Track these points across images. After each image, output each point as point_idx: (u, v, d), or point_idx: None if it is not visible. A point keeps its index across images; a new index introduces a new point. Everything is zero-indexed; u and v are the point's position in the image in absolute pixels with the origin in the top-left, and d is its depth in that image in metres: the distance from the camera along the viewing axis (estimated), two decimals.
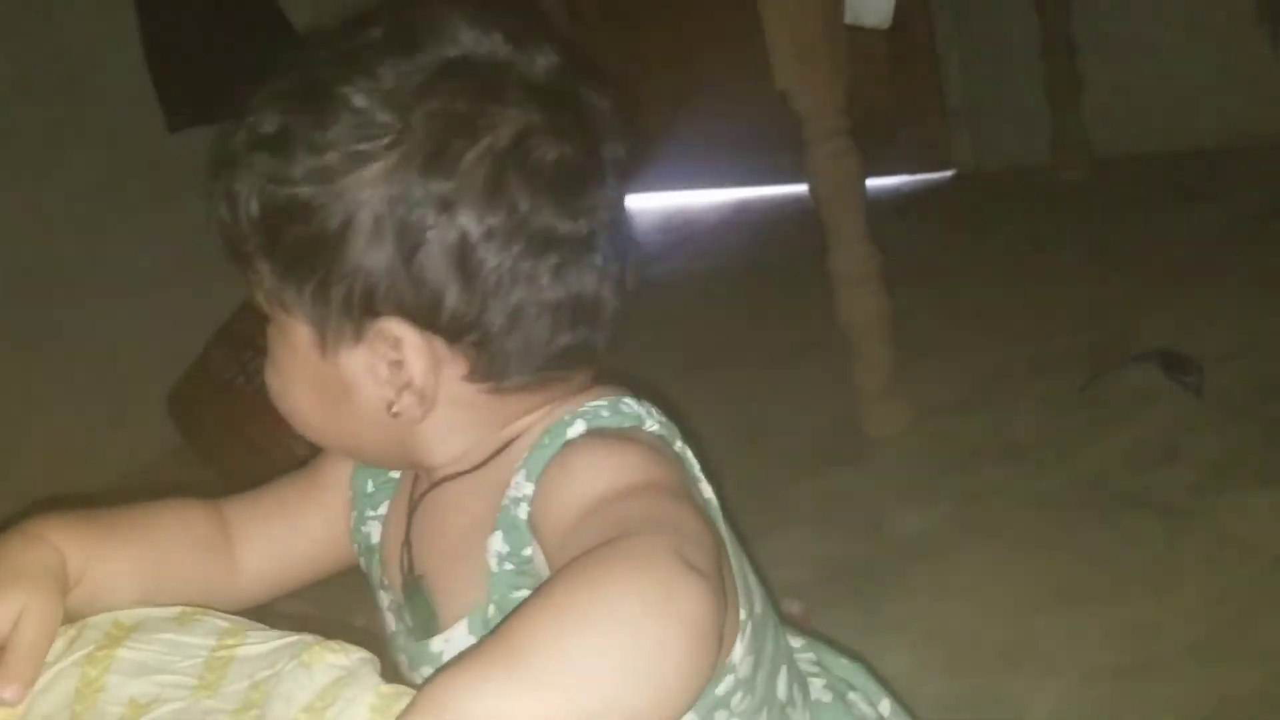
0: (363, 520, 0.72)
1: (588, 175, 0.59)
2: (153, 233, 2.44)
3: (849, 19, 1.62)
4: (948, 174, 2.95)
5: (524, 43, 0.59)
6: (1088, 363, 1.91)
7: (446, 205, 0.55)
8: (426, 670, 0.64)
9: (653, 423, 0.60)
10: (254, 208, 0.59)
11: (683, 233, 3.10)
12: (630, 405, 0.61)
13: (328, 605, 1.47)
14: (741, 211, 3.13)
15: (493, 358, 0.59)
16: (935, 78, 2.87)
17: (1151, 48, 2.58)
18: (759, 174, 3.11)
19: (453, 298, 0.56)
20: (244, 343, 2.02)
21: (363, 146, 0.55)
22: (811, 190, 1.77)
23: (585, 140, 0.59)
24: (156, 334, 2.43)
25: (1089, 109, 2.62)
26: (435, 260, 0.56)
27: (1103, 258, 2.30)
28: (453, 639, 0.62)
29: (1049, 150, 2.69)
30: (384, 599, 0.71)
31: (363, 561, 0.73)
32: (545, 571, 0.57)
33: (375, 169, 0.55)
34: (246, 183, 0.59)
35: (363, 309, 0.58)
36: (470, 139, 0.55)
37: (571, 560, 0.46)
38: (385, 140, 0.55)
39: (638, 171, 0.62)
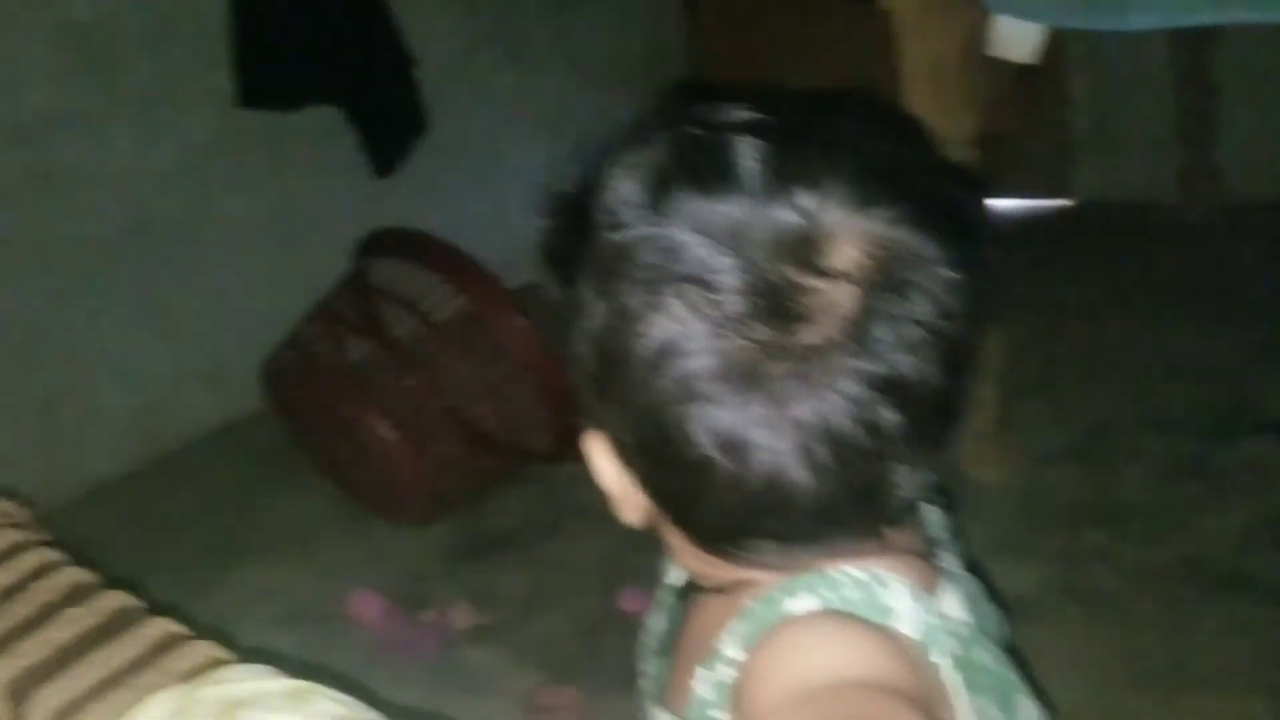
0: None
1: (790, 375, 0.50)
2: (261, 196, 2.46)
3: (993, 51, 1.55)
4: (1069, 202, 2.85)
5: (774, 199, 0.50)
6: (1204, 422, 1.83)
7: (663, 355, 0.50)
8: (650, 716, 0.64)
9: (912, 623, 0.53)
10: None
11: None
12: (889, 595, 0.53)
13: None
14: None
15: (685, 526, 0.55)
16: (1063, 102, 2.78)
17: None
18: None
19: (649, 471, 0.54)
20: (338, 321, 2.02)
21: (672, 292, 0.50)
22: None
23: (817, 340, 0.50)
24: (256, 294, 2.45)
25: (1223, 149, 2.51)
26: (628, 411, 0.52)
27: (1225, 308, 2.21)
28: None
29: (1176, 186, 2.58)
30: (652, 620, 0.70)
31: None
32: None
33: (677, 314, 0.50)
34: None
35: (597, 391, 0.55)
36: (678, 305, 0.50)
37: None
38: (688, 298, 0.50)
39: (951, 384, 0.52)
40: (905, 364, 0.49)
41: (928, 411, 0.50)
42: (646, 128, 0.54)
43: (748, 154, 0.50)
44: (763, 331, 0.48)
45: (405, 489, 1.95)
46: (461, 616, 1.77)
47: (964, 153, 1.64)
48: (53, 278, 2.18)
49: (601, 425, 0.55)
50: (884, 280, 0.49)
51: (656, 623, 0.69)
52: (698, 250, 0.49)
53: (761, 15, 3.16)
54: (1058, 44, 2.70)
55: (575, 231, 0.54)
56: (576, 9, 3.04)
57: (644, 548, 0.60)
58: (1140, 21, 1.40)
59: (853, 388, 0.48)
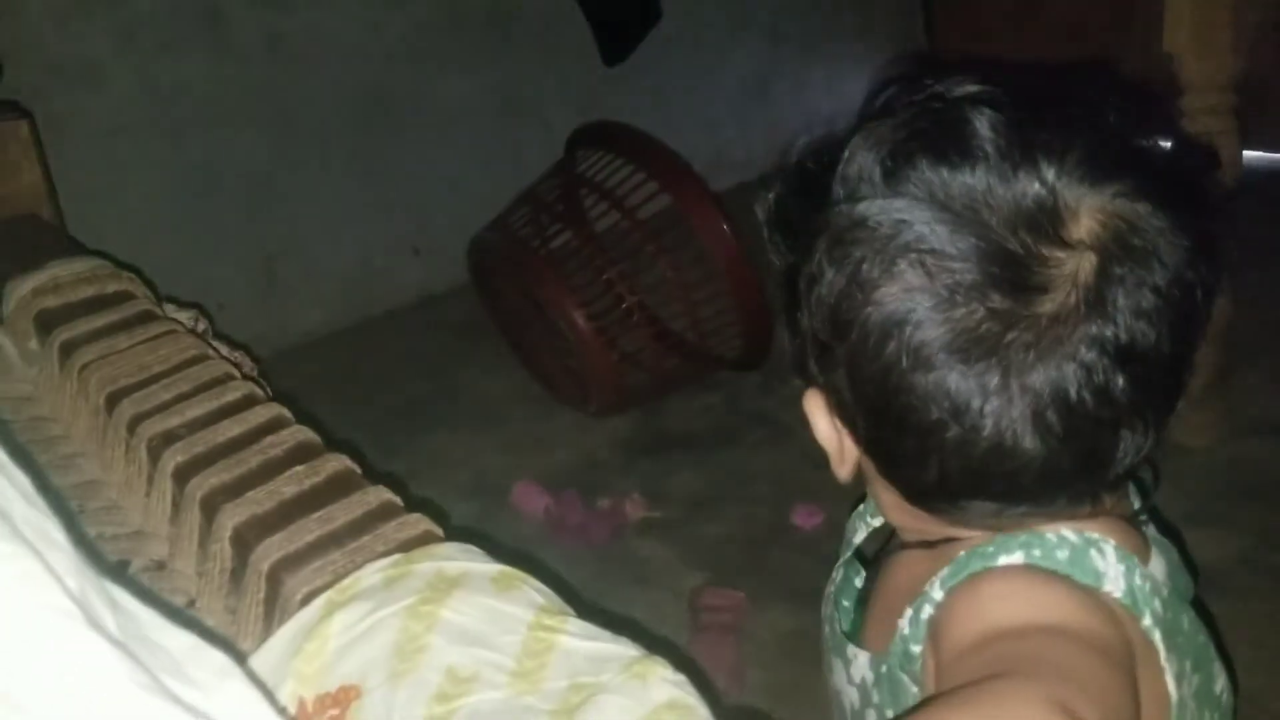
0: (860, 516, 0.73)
1: (1025, 344, 0.51)
2: (482, 76, 2.50)
3: None
4: None
5: (1017, 169, 0.50)
6: None
7: (861, 297, 0.52)
8: (834, 660, 0.67)
9: (1121, 586, 0.53)
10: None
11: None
12: (1100, 558, 0.54)
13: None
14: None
15: (903, 484, 0.56)
16: None
17: None
18: None
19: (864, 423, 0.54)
20: (545, 208, 2.05)
21: (909, 260, 0.50)
22: None
23: (1052, 309, 0.50)
24: (470, 172, 2.52)
25: None
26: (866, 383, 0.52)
27: None
28: (857, 660, 0.64)
29: None
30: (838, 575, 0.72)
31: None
32: (922, 678, 0.56)
33: (914, 282, 0.50)
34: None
35: (821, 355, 0.55)
36: (909, 269, 0.50)
37: (946, 693, 0.45)
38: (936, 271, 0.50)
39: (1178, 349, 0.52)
40: (1140, 331, 0.49)
41: (1158, 379, 0.51)
42: (883, 99, 0.55)
43: (985, 126, 0.50)
44: (1000, 301, 0.48)
45: (593, 378, 1.99)
46: (634, 509, 1.81)
47: (1224, 97, 1.54)
48: (281, 139, 2.28)
49: (824, 385, 0.56)
50: (1121, 250, 0.49)
51: (847, 576, 0.71)
52: (935, 221, 0.49)
53: None
54: None
55: (810, 201, 0.54)
56: None
57: (818, 465, 0.60)
58: None
59: (1088, 355, 0.49)
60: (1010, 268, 0.48)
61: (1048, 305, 0.49)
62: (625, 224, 2.01)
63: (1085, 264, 0.49)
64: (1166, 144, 0.54)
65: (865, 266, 0.50)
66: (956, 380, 0.49)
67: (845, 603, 0.70)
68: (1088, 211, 0.49)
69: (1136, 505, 0.60)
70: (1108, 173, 0.50)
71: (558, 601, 0.58)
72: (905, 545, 0.63)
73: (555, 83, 2.62)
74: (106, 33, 2.04)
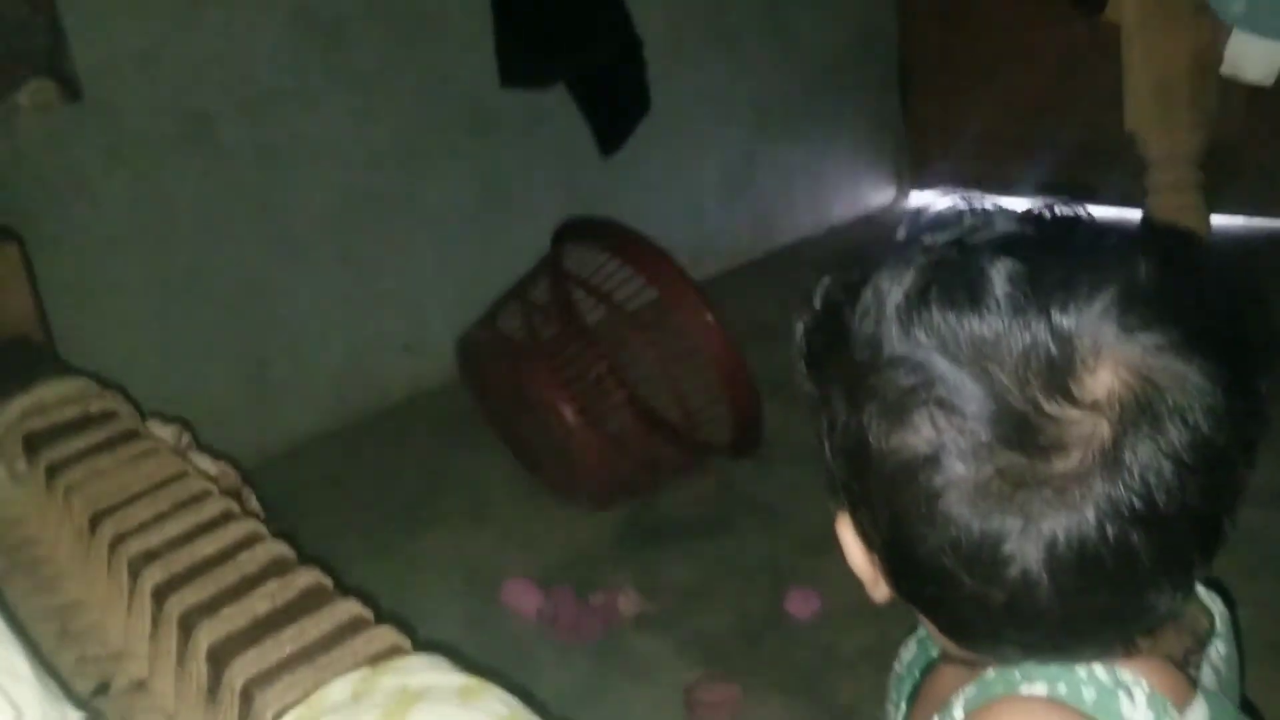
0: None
1: (1039, 499, 0.49)
2: (466, 174, 2.55)
3: (1226, 70, 1.46)
4: None
5: (1031, 320, 0.48)
6: None
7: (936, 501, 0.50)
8: None
9: None
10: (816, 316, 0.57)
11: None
12: (1127, 703, 0.52)
13: None
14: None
15: (930, 619, 0.56)
16: None
17: None
18: (1069, 190, 2.93)
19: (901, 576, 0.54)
20: (532, 303, 2.08)
21: (919, 413, 0.50)
22: None
23: (1073, 466, 0.49)
24: (457, 269, 2.55)
25: None
26: (923, 543, 0.51)
27: None
28: None
29: None
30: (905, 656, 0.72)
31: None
32: None
33: (924, 435, 0.50)
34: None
35: (845, 489, 0.55)
36: (923, 423, 0.50)
37: None
38: (949, 418, 0.49)
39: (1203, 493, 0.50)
40: (1162, 494, 0.47)
41: (1186, 540, 0.49)
42: (904, 243, 0.54)
43: (1001, 274, 0.49)
44: (1009, 459, 0.47)
45: (584, 471, 1.99)
46: (628, 603, 1.81)
47: (1188, 172, 1.57)
48: (271, 244, 2.32)
49: (851, 513, 0.55)
50: (1143, 411, 0.47)
51: (905, 671, 0.71)
52: (947, 374, 0.49)
53: (974, 10, 3.07)
54: None
55: (832, 339, 0.54)
56: None
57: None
58: None
59: (1105, 515, 0.47)
60: (1017, 427, 0.47)
61: (1061, 465, 0.47)
62: (613, 317, 2.03)
63: (1102, 426, 0.47)
64: (1207, 293, 0.51)
65: (879, 415, 0.50)
66: (969, 531, 0.49)
67: (898, 697, 0.70)
68: (1111, 365, 0.47)
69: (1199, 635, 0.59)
70: (1137, 323, 0.47)
71: (524, 711, 0.59)
72: (946, 659, 0.62)
73: (540, 177, 2.67)
74: (97, 150, 2.08)
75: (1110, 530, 0.47)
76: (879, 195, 3.38)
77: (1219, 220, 2.59)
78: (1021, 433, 0.47)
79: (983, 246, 0.51)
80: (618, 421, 1.98)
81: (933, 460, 0.48)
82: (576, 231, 2.18)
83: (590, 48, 2.48)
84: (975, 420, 0.48)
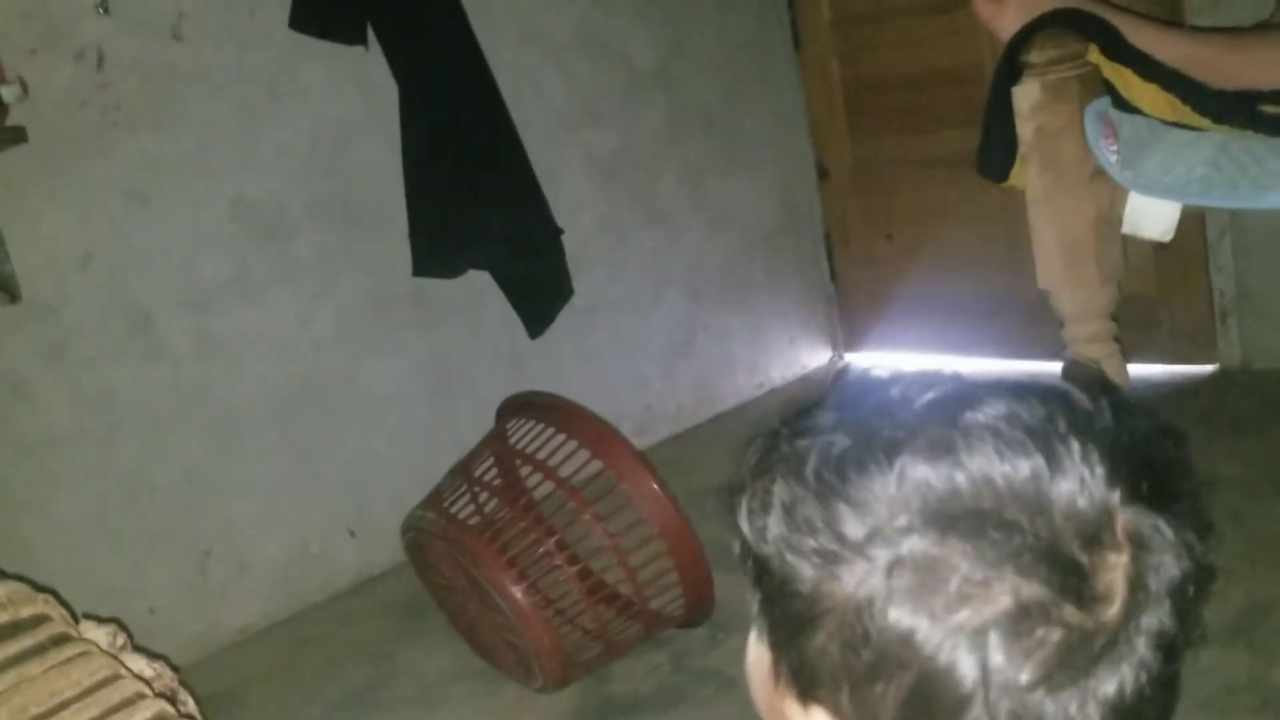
0: None
1: (1099, 657, 0.50)
2: (410, 357, 2.58)
3: (1126, 229, 1.55)
4: (1212, 368, 2.77)
5: (1065, 474, 0.49)
6: None
7: (908, 655, 0.49)
8: None
9: None
10: (745, 549, 0.56)
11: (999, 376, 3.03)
12: None
13: None
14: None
15: None
16: (1204, 266, 2.73)
17: None
18: (998, 346, 3.03)
19: None
20: (478, 481, 2.08)
21: (837, 568, 0.51)
22: None
23: (1121, 616, 0.50)
24: (402, 451, 2.56)
25: None
26: (879, 698, 0.51)
27: None
28: None
29: None
30: None
31: None
32: None
33: (845, 589, 0.51)
34: (745, 527, 0.55)
35: (805, 689, 0.54)
36: (954, 603, 0.49)
37: None
38: (861, 569, 0.50)
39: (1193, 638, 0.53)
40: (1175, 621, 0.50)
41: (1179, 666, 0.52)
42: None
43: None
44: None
45: (536, 653, 1.96)
46: None
47: (1101, 325, 1.64)
48: (213, 435, 2.32)
49: (833, 713, 0.54)
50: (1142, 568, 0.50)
51: None
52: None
53: (892, 183, 3.22)
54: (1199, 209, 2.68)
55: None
56: (712, 175, 3.15)
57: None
58: None
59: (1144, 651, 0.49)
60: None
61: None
62: (560, 493, 2.04)
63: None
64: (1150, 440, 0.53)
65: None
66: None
67: None
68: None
69: None
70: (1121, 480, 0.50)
71: None
72: None
73: (483, 355, 2.71)
74: (35, 350, 2.09)
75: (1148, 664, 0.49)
76: (815, 356, 3.46)
77: (1137, 369, 2.69)
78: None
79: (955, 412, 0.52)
80: (568, 598, 1.97)
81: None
82: (520, 407, 2.20)
83: (499, 243, 2.54)
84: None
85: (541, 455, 2.06)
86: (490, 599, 1.94)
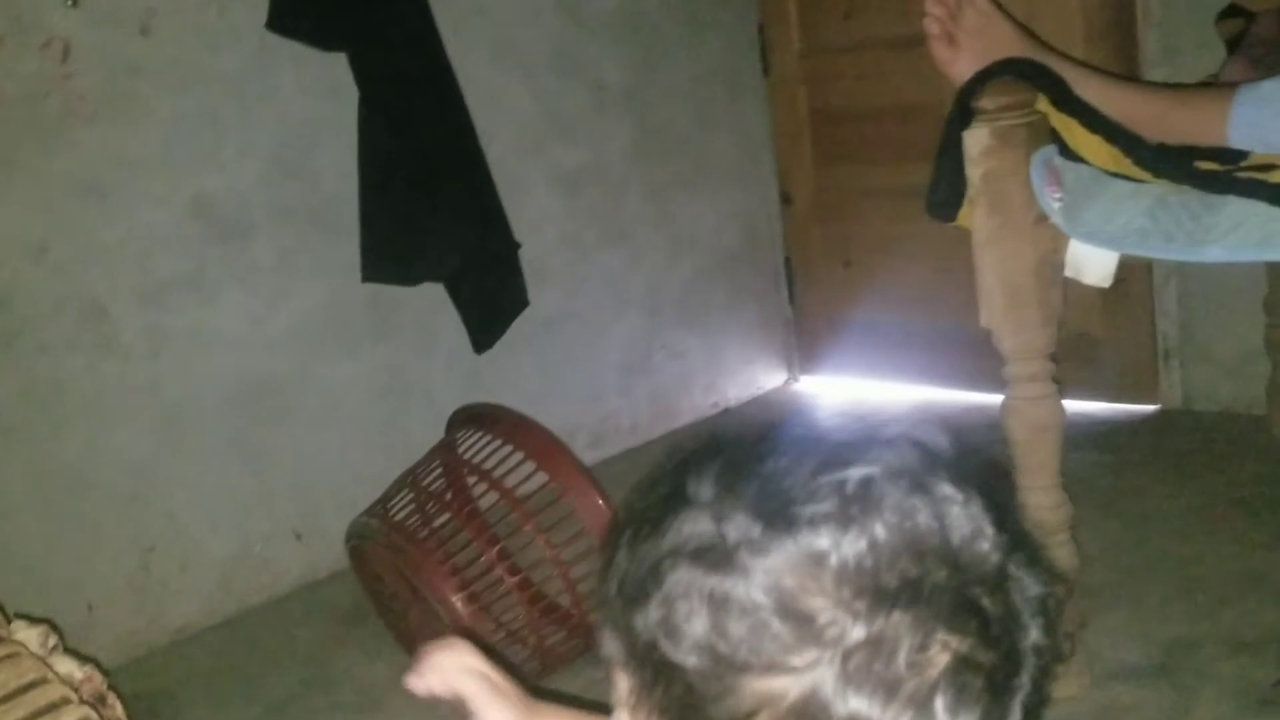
0: None
1: (1011, 685, 0.52)
2: (365, 362, 2.59)
3: (1068, 273, 1.59)
4: (1153, 408, 2.83)
5: (957, 520, 0.51)
6: None
7: None
8: None
9: None
10: (642, 651, 0.53)
11: (867, 424, 3.07)
12: None
13: None
14: (927, 412, 3.08)
15: None
16: (1149, 308, 2.79)
17: None
18: (950, 376, 3.08)
19: None
20: (424, 489, 2.09)
21: (778, 660, 0.49)
22: (1007, 430, 1.72)
23: (1010, 646, 0.52)
24: (352, 457, 2.56)
25: None
26: None
27: None
28: None
29: (1265, 400, 2.55)
30: None
31: None
32: None
33: (786, 683, 0.49)
34: (647, 627, 0.52)
35: None
36: (901, 673, 0.48)
37: None
38: (806, 658, 0.48)
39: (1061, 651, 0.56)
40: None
41: None
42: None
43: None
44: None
45: None
46: None
47: (1041, 365, 1.67)
48: (161, 432, 2.31)
49: None
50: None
51: None
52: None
53: (853, 212, 3.27)
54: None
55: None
56: (677, 196, 3.18)
57: None
58: (1216, 255, 1.42)
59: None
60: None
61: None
62: (505, 503, 2.05)
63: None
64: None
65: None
66: None
67: None
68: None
69: None
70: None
71: None
72: None
73: (440, 364, 2.72)
74: None
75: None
76: (771, 378, 3.50)
77: (1080, 406, 2.75)
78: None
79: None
80: (508, 609, 1.98)
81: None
82: (471, 418, 2.21)
83: (454, 254, 2.56)
84: None
85: (489, 466, 2.07)
86: (430, 608, 1.95)
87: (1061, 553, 1.72)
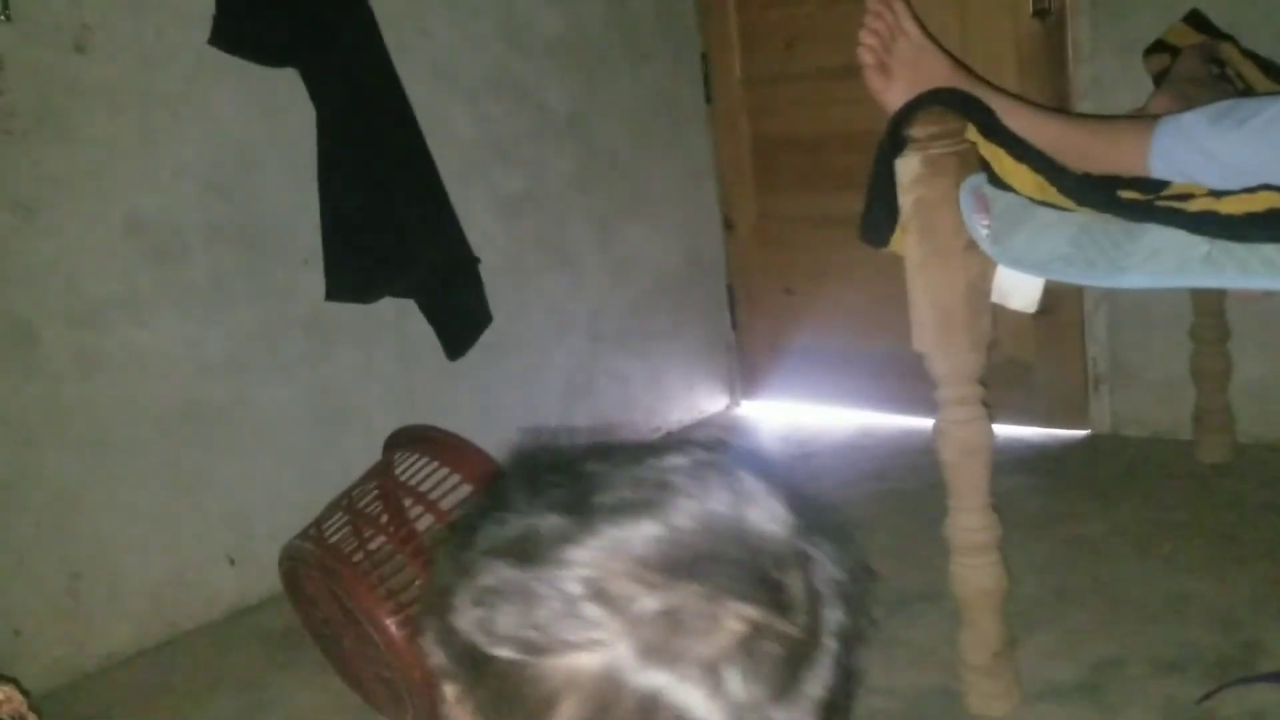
0: None
1: (803, 660, 0.54)
2: (301, 384, 2.57)
3: (995, 298, 1.62)
4: (1084, 433, 2.89)
5: (750, 507, 0.55)
6: (1211, 668, 1.82)
7: (656, 705, 0.51)
8: None
9: None
10: (464, 651, 0.56)
11: (804, 448, 3.10)
12: None
13: None
14: (865, 435, 3.12)
15: None
16: (1080, 334, 2.85)
17: None
18: (888, 400, 3.11)
19: None
20: (359, 512, 2.07)
21: (578, 638, 0.52)
22: (939, 452, 1.75)
23: (810, 622, 0.55)
24: (288, 477, 2.53)
25: (1235, 391, 2.55)
26: None
27: (1234, 551, 2.21)
28: None
29: (1191, 425, 2.61)
30: None
31: None
32: None
33: (588, 658, 0.52)
34: (467, 626, 0.55)
35: None
36: (692, 642, 0.51)
37: None
38: (603, 633, 0.51)
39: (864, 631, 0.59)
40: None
41: None
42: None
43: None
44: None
45: (410, 687, 1.95)
46: None
47: (970, 389, 1.70)
48: (92, 455, 2.27)
49: None
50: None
51: None
52: None
53: (794, 238, 3.31)
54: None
55: None
56: (619, 221, 3.19)
57: None
58: (1136, 280, 1.46)
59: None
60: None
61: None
62: (440, 526, 2.04)
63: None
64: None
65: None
66: None
67: None
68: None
69: None
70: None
71: None
72: None
73: (376, 387, 2.70)
74: None
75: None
76: (713, 403, 3.51)
77: (1012, 431, 2.80)
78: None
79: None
80: None
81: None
82: (409, 439, 2.20)
83: (417, 269, 2.56)
84: None
85: (425, 489, 2.06)
86: (365, 633, 1.94)
87: (990, 573, 1.75)
